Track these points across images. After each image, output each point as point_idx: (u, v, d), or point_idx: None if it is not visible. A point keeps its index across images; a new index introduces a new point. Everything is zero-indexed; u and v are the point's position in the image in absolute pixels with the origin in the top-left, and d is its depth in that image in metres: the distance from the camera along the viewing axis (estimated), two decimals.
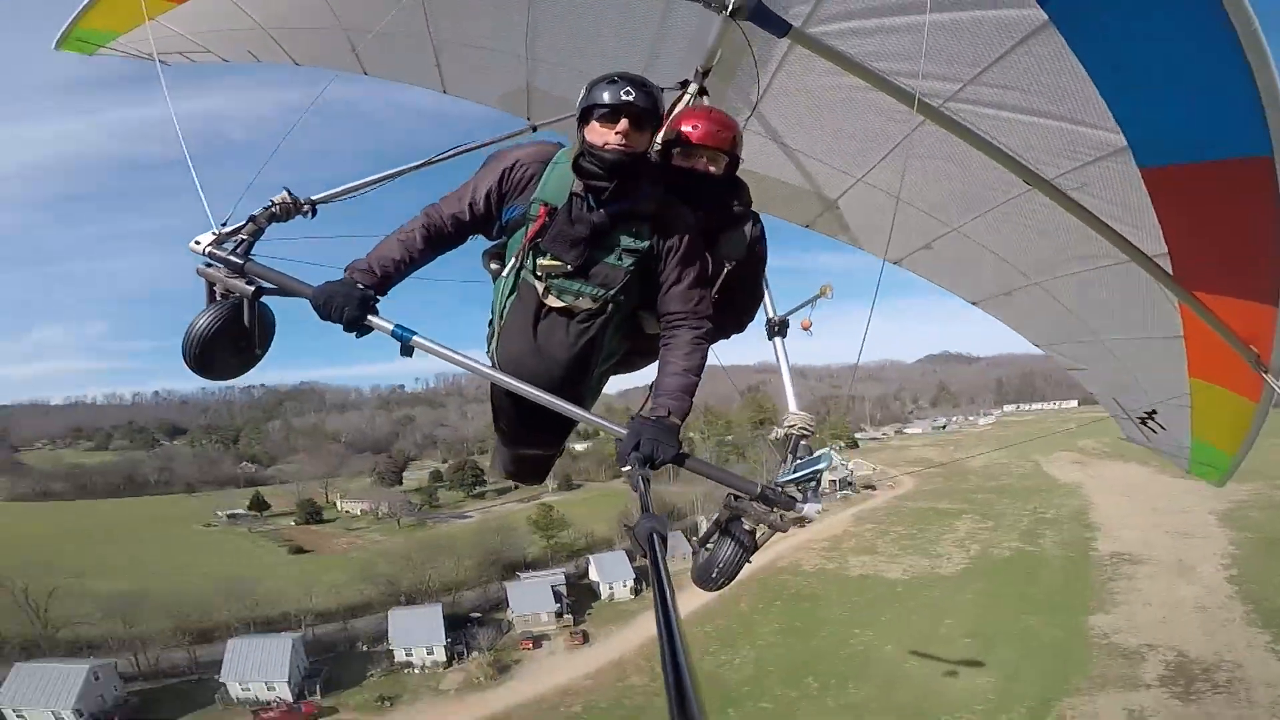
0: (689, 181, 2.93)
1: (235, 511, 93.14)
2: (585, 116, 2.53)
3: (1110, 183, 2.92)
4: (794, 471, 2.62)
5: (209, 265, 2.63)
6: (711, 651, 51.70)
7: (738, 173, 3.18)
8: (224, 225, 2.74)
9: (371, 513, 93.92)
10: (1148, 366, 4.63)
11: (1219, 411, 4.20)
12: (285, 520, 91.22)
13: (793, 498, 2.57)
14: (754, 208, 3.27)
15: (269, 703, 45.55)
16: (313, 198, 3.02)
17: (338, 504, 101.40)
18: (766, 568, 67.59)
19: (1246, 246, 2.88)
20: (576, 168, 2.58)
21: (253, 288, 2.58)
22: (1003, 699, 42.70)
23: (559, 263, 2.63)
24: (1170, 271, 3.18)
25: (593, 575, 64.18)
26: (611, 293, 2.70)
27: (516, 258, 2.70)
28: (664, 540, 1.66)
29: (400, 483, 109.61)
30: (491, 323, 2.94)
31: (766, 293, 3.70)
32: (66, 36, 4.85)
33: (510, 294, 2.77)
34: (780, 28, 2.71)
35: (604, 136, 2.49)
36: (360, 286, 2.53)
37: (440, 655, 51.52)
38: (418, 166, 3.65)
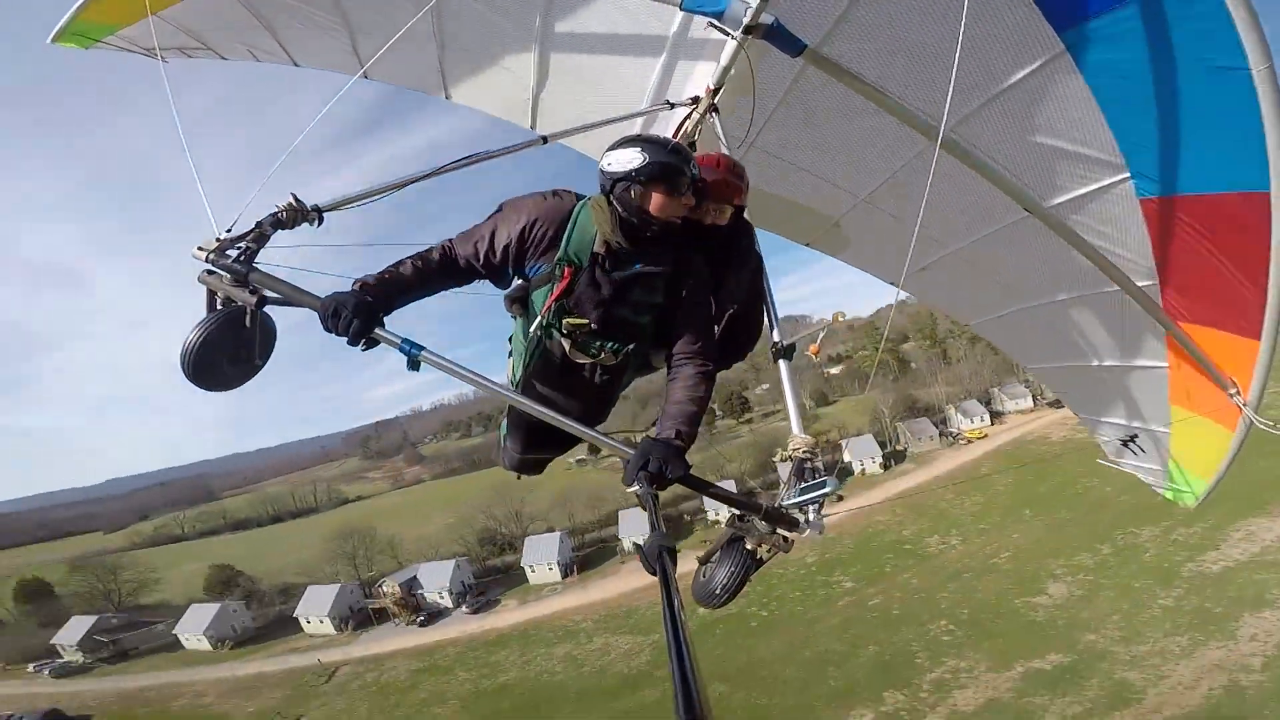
0: (696, 232, 3.03)
1: (580, 458, 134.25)
2: (644, 180, 2.62)
3: (1108, 212, 3.04)
4: (800, 494, 2.67)
5: (211, 273, 2.55)
6: (947, 500, 69.36)
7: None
8: (229, 231, 2.60)
9: None
10: (1131, 392, 4.73)
11: (1197, 439, 4.32)
12: (612, 458, 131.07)
13: (796, 519, 2.61)
14: (755, 224, 3.33)
15: None
16: (319, 205, 2.97)
17: None
18: (1012, 442, 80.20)
19: (1235, 280, 2.96)
20: (625, 229, 2.72)
21: (255, 297, 2.53)
22: (1189, 517, 50.26)
23: (584, 321, 2.83)
24: (1159, 302, 3.29)
25: (845, 457, 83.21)
26: (632, 346, 2.92)
27: (542, 316, 2.84)
28: (673, 556, 1.80)
29: None
30: (511, 355, 3.23)
31: (770, 318, 3.64)
32: (65, 30, 4.79)
33: (536, 347, 2.98)
34: (794, 47, 2.74)
35: (670, 210, 2.68)
36: (368, 299, 2.52)
37: None
38: (428, 175, 3.59)
